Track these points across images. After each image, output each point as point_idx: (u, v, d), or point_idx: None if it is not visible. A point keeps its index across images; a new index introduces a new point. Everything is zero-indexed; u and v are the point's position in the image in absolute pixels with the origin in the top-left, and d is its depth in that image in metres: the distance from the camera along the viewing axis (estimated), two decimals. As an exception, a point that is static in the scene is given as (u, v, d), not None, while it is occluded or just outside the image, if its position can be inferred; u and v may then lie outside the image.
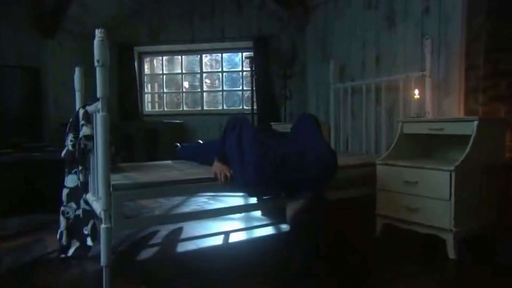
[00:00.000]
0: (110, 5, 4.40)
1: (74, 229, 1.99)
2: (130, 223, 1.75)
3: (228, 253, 2.10)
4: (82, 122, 1.78)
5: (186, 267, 1.82)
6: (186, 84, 5.40)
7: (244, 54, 4.82)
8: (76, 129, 1.94)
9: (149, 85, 5.23)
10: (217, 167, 1.81)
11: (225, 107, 5.09)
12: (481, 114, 2.46)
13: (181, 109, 5.22)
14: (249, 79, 4.88)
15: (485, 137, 1.96)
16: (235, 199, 3.36)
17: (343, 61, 3.65)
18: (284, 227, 2.46)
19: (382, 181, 2.19)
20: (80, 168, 1.92)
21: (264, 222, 2.65)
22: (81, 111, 1.83)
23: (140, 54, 5.03)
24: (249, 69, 4.68)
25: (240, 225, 2.60)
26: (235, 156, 1.77)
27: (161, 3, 4.74)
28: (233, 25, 4.68)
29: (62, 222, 2.01)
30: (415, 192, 2.00)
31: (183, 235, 2.35)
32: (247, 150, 1.74)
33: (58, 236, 2.04)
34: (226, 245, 2.21)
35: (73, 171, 2.00)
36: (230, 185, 1.77)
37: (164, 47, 4.92)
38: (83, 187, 1.94)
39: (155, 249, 2.12)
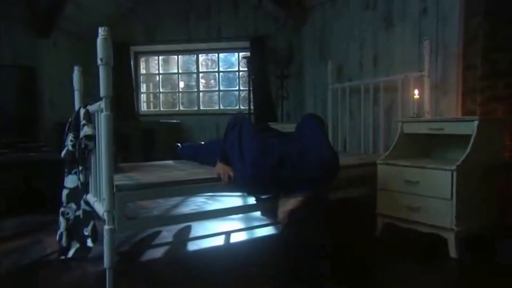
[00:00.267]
0: (106, 4, 4.37)
1: (74, 230, 1.97)
2: (134, 224, 1.72)
3: (228, 253, 2.09)
4: (83, 121, 1.76)
5: (188, 268, 1.81)
6: (181, 84, 5.37)
7: (241, 54, 4.81)
8: (77, 129, 1.92)
9: (144, 85, 5.19)
10: (220, 168, 1.81)
11: (221, 107, 5.08)
12: (479, 114, 2.49)
13: (177, 109, 5.19)
14: (245, 79, 4.89)
15: (485, 137, 1.98)
16: (234, 199, 3.36)
17: (340, 62, 3.67)
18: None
19: (382, 181, 2.20)
20: (80, 168, 1.90)
21: (264, 222, 2.65)
22: (82, 111, 1.81)
23: (136, 54, 5.00)
24: (245, 69, 4.68)
25: (240, 225, 2.59)
26: (236, 155, 1.76)
27: (157, 2, 4.71)
28: (230, 25, 4.68)
29: (62, 223, 1.98)
30: (416, 191, 2.01)
31: (183, 236, 2.34)
32: (246, 148, 1.73)
33: (57, 237, 2.01)
34: (226, 245, 2.20)
35: (73, 172, 1.98)
36: (233, 185, 1.76)
37: (160, 47, 4.89)
38: (84, 188, 1.92)
39: (157, 250, 2.11)
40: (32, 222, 2.63)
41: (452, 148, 2.34)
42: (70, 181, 1.99)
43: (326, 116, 3.73)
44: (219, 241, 2.26)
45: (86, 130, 1.73)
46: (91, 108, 1.77)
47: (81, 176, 1.90)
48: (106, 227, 1.47)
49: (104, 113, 1.46)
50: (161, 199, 3.20)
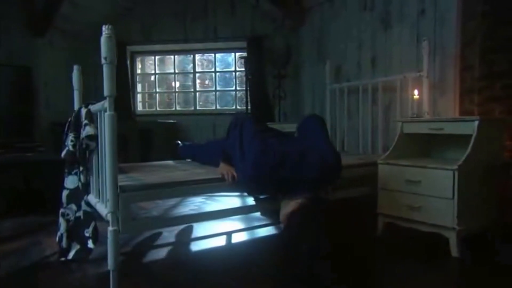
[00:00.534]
0: (103, 3, 4.33)
1: (74, 232, 1.94)
2: (138, 225, 1.71)
3: (229, 253, 2.08)
4: (85, 121, 1.73)
5: (190, 269, 1.80)
6: (177, 84, 5.34)
7: (238, 54, 4.80)
8: (77, 128, 1.89)
9: (139, 85, 5.16)
10: (224, 168, 1.80)
11: (218, 107, 5.07)
12: (476, 114, 2.51)
13: (173, 109, 5.17)
14: (242, 79, 4.88)
15: (485, 137, 2.00)
16: (233, 199, 3.35)
17: (339, 62, 3.68)
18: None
19: (383, 181, 2.21)
20: (81, 169, 1.88)
21: (264, 222, 2.64)
22: (84, 110, 1.79)
23: (132, 54, 4.96)
24: (242, 69, 4.68)
25: (239, 225, 2.58)
26: (237, 155, 1.76)
27: (154, 2, 4.69)
28: (227, 25, 4.67)
29: (62, 224, 1.95)
30: (417, 191, 2.02)
31: (184, 237, 2.33)
32: (247, 148, 1.73)
33: (57, 238, 1.99)
34: (227, 245, 2.19)
35: (73, 172, 1.95)
36: (235, 185, 1.76)
37: (157, 47, 4.87)
38: (84, 189, 1.89)
39: (158, 250, 2.09)
40: (31, 223, 2.59)
41: (451, 148, 2.36)
42: (71, 181, 1.96)
43: (324, 116, 3.73)
44: (219, 241, 2.25)
45: (88, 130, 1.71)
46: (93, 107, 1.75)
47: (82, 177, 1.88)
48: (110, 228, 1.45)
49: (108, 112, 1.44)
50: (160, 199, 3.18)
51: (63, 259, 1.90)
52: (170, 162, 2.55)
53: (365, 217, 2.46)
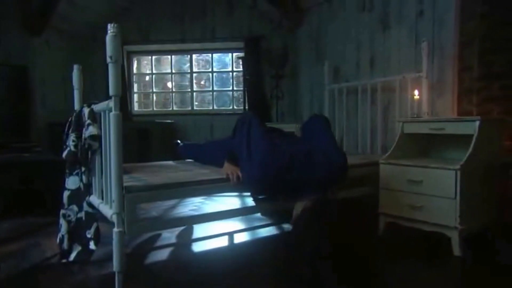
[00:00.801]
0: (100, 3, 4.30)
1: (75, 233, 1.92)
2: (144, 226, 1.69)
3: (231, 254, 2.07)
4: (88, 121, 1.72)
5: (191, 270, 1.79)
6: (172, 84, 5.32)
7: (236, 54, 4.80)
8: (79, 128, 1.87)
9: (135, 85, 5.13)
10: (229, 168, 1.79)
11: (215, 107, 5.06)
12: (475, 114, 2.54)
13: (170, 109, 5.14)
14: (239, 79, 4.88)
15: (486, 137, 2.02)
16: (231, 199, 3.34)
17: (337, 62, 3.70)
18: (286, 227, 2.46)
19: (385, 180, 2.22)
20: (83, 169, 1.86)
21: (264, 223, 2.64)
22: (86, 110, 1.77)
23: (129, 53, 4.93)
24: (239, 69, 4.67)
25: (240, 225, 2.58)
26: (244, 155, 1.75)
27: (152, 2, 4.66)
28: (224, 26, 4.66)
29: (63, 225, 1.93)
30: (419, 190, 2.04)
31: (185, 237, 2.31)
32: (254, 148, 1.71)
33: (58, 240, 1.96)
34: (228, 246, 2.19)
35: (74, 173, 1.93)
36: (241, 186, 1.75)
37: (154, 47, 4.84)
38: (86, 189, 1.87)
39: (160, 251, 2.08)
40: (29, 224, 2.56)
41: (450, 148, 2.39)
42: (72, 182, 1.93)
43: (322, 117, 3.75)
44: (220, 242, 2.24)
45: (91, 130, 1.69)
46: (96, 107, 1.73)
47: (84, 178, 1.86)
48: (115, 230, 1.44)
49: (113, 112, 1.43)
50: (165, 200, 3.15)
51: (64, 260, 1.88)
52: (171, 162, 2.53)
53: (366, 217, 2.47)
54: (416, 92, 2.52)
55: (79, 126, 1.88)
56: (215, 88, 5.10)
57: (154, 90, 5.15)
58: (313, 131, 1.95)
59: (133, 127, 4.27)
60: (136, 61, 5.12)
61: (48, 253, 2.01)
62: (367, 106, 3.20)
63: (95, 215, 1.86)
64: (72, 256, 1.89)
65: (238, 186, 1.75)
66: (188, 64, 5.07)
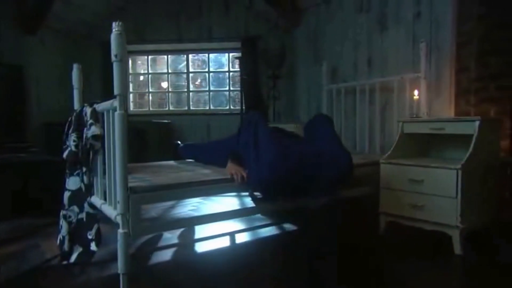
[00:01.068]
0: (96, 2, 4.26)
1: (76, 234, 1.90)
2: (148, 227, 1.68)
3: (232, 254, 2.07)
4: (90, 121, 1.70)
5: (193, 271, 1.78)
6: (168, 84, 5.29)
7: (233, 54, 4.79)
8: (80, 128, 1.85)
9: (131, 85, 5.09)
10: (233, 168, 1.78)
11: (211, 107, 5.05)
12: (472, 115, 2.57)
13: (167, 108, 5.12)
14: (235, 79, 4.87)
15: (485, 136, 2.04)
16: (230, 198, 3.34)
17: (335, 63, 3.71)
18: (287, 226, 2.46)
19: (386, 180, 2.24)
20: (84, 169, 1.84)
21: (264, 223, 2.64)
22: (89, 110, 1.74)
23: (125, 53, 4.89)
24: (236, 69, 4.66)
25: (240, 225, 2.57)
26: (251, 156, 1.73)
27: (148, 1, 4.63)
28: (221, 26, 4.66)
29: (64, 226, 1.91)
30: (420, 190, 2.05)
31: (187, 238, 2.30)
32: (263, 148, 1.70)
33: (58, 241, 1.94)
34: (229, 246, 2.18)
35: (75, 173, 1.90)
36: (246, 186, 1.74)
37: (150, 46, 4.81)
38: (87, 190, 1.85)
39: (161, 252, 2.06)
40: (27, 226, 2.52)
41: (449, 148, 2.41)
42: (72, 183, 1.91)
43: (320, 117, 3.76)
44: (221, 242, 2.23)
45: (94, 130, 1.67)
46: (99, 106, 1.71)
47: (85, 178, 1.84)
48: (120, 231, 1.42)
49: (118, 112, 1.42)
50: (170, 201, 3.12)
51: (65, 262, 1.85)
52: (172, 162, 2.52)
53: (367, 216, 2.48)
54: (416, 92, 2.54)
55: (79, 125, 1.86)
56: (211, 88, 5.09)
57: (151, 90, 5.12)
58: (317, 131, 1.95)
59: (129, 127, 4.21)
60: (130, 61, 5.08)
61: (48, 254, 1.98)
62: (365, 106, 3.22)
63: (97, 216, 1.84)
64: (73, 258, 1.86)
65: (243, 186, 1.74)
66: (183, 64, 5.05)
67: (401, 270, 1.76)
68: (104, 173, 1.71)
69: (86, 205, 1.86)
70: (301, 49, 4.30)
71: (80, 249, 1.88)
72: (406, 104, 2.85)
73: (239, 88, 4.60)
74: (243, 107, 4.32)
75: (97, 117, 1.72)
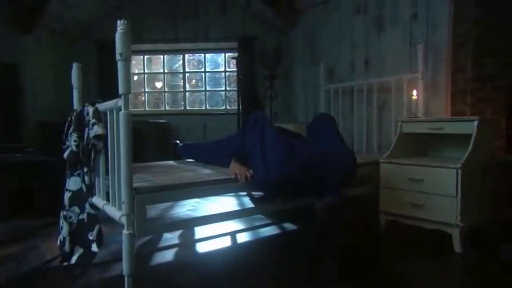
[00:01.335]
0: (91, 1, 4.22)
1: (77, 235, 1.88)
2: (153, 228, 1.67)
3: (233, 254, 2.06)
4: (92, 120, 1.68)
5: (195, 272, 1.78)
6: (163, 84, 5.27)
7: (230, 54, 4.79)
8: (81, 128, 1.83)
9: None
10: (236, 168, 1.78)
11: (208, 107, 5.04)
12: (469, 114, 2.61)
13: (163, 108, 5.09)
14: (231, 79, 4.88)
15: (483, 136, 2.07)
16: (229, 198, 3.33)
17: (332, 63, 3.73)
18: (288, 226, 2.47)
19: (386, 179, 2.26)
20: (85, 170, 1.82)
21: (264, 222, 2.64)
22: (91, 109, 1.73)
23: (120, 53, 4.85)
24: (232, 69, 4.66)
25: (241, 225, 2.57)
26: (257, 155, 1.73)
27: (143, 1, 4.61)
28: (217, 26, 4.65)
29: (64, 227, 1.89)
30: (420, 189, 2.07)
31: (188, 238, 2.29)
32: (270, 149, 1.71)
33: (58, 242, 1.92)
34: (230, 246, 2.18)
35: (75, 173, 1.89)
36: (250, 186, 1.74)
37: (146, 46, 4.79)
38: (89, 190, 1.84)
39: (162, 253, 2.05)
40: (25, 226, 2.49)
41: (447, 147, 2.44)
42: (73, 183, 1.89)
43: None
44: (222, 242, 2.23)
45: (96, 130, 1.65)
46: (102, 106, 1.69)
47: (86, 178, 1.82)
48: (125, 232, 1.41)
49: (123, 111, 1.41)
50: (175, 201, 3.09)
51: (65, 264, 1.83)
52: (171, 162, 2.50)
53: (367, 215, 2.50)
54: (414, 92, 2.57)
55: (80, 125, 1.84)
56: (207, 88, 5.08)
57: (148, 90, 5.09)
58: (320, 131, 1.96)
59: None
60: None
61: (48, 256, 1.96)
62: (363, 106, 3.24)
63: (98, 217, 1.83)
64: (73, 259, 1.84)
65: (247, 186, 1.74)
66: (178, 64, 5.04)
67: (401, 269, 1.77)
68: (107, 173, 1.70)
69: (87, 205, 1.85)
70: (298, 49, 4.31)
71: (81, 250, 1.87)
72: (404, 104, 2.87)
73: (235, 88, 4.61)
74: (240, 107, 4.32)
75: (100, 116, 1.71)
